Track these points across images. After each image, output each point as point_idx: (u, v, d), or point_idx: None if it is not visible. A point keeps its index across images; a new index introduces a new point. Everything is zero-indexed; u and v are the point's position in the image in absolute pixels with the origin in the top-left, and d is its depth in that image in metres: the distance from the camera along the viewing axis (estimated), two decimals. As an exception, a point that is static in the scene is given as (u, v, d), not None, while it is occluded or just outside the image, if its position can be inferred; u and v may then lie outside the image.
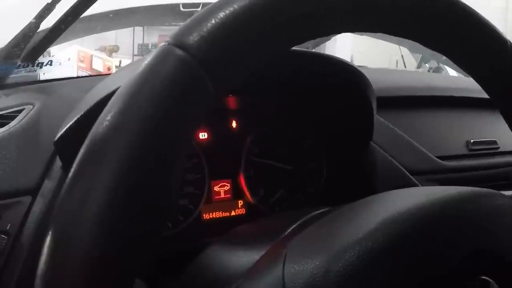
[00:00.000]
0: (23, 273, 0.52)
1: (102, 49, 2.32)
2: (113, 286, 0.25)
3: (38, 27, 0.73)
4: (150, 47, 3.12)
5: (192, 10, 1.12)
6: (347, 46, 2.35)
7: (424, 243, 0.31)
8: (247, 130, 0.73)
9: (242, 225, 0.52)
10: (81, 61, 1.34)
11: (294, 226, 0.40)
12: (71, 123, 0.55)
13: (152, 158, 0.26)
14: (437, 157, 0.81)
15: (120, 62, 2.05)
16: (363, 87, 0.63)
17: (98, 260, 0.24)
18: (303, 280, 0.28)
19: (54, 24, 0.71)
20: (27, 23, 0.74)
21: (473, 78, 0.40)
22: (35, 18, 0.72)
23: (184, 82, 0.27)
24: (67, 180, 0.25)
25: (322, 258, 0.29)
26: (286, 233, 0.39)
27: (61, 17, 0.71)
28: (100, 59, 1.48)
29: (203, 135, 0.70)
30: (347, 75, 0.62)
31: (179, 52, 0.27)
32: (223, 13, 0.28)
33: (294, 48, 0.61)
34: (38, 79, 0.79)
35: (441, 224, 0.32)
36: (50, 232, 0.25)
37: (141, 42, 3.20)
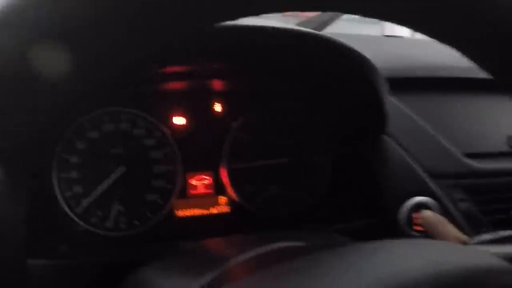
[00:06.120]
0: None
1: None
2: None
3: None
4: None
5: None
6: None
7: None
8: (234, 115, 0.64)
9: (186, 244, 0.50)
10: None
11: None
12: None
13: None
14: (467, 154, 0.68)
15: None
16: (366, 71, 0.53)
17: None
18: None
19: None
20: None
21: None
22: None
23: None
24: None
25: None
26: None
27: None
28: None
29: (179, 120, 0.62)
30: (346, 58, 0.52)
31: None
32: None
33: (294, 27, 0.52)
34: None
35: None
36: None
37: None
